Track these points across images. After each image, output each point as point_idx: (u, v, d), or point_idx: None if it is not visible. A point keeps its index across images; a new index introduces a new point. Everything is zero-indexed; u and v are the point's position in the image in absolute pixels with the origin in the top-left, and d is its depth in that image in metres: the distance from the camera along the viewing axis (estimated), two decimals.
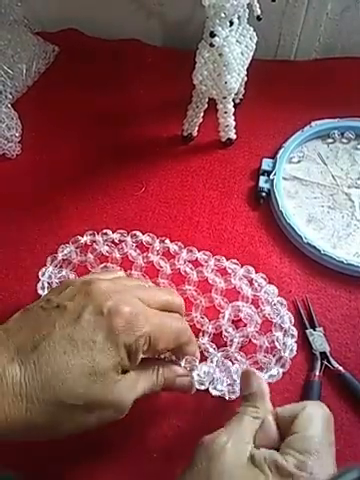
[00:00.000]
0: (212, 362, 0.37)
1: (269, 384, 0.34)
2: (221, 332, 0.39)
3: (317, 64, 0.64)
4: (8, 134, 0.54)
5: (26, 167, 0.55)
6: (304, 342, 0.41)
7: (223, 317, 0.39)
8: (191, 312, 0.40)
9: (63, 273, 0.42)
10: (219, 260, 0.43)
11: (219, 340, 0.39)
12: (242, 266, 0.42)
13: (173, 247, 0.44)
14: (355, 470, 0.25)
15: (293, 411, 0.28)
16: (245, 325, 0.40)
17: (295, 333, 0.38)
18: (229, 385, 0.36)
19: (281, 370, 0.36)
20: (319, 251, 0.45)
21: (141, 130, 0.57)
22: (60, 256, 0.43)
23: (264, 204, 0.50)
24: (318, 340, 0.41)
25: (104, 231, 0.44)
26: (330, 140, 0.55)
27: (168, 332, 0.32)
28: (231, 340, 0.39)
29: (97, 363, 0.29)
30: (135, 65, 0.64)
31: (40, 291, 0.41)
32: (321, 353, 0.40)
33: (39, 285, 0.41)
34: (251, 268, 0.42)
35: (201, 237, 0.48)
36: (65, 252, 0.43)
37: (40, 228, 0.49)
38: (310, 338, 0.41)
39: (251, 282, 0.42)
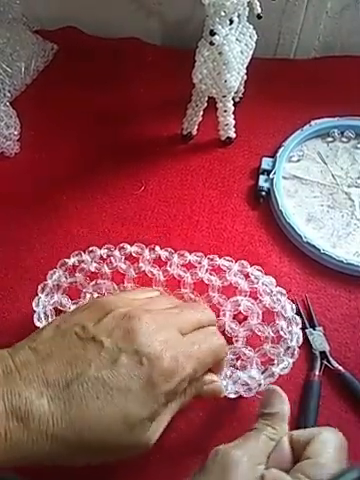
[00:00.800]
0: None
1: (279, 376, 0.34)
2: (224, 330, 0.38)
3: (317, 63, 0.64)
4: (7, 132, 0.53)
5: (25, 166, 0.54)
6: (304, 342, 0.41)
7: (224, 314, 0.39)
8: None
9: (55, 299, 0.40)
10: (212, 259, 0.42)
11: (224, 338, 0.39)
12: (236, 261, 0.41)
13: (164, 254, 0.42)
14: (355, 470, 0.25)
15: (308, 436, 0.28)
16: (246, 318, 0.39)
17: (299, 321, 0.38)
18: (244, 385, 0.35)
19: (291, 360, 0.36)
20: (319, 250, 0.45)
21: (141, 129, 0.57)
22: (50, 282, 0.40)
23: (264, 203, 0.50)
24: (318, 340, 0.41)
25: (90, 249, 0.42)
26: (330, 139, 0.55)
27: (209, 361, 0.32)
28: (236, 336, 0.38)
29: (131, 413, 0.28)
30: (135, 64, 0.64)
31: (37, 323, 0.39)
32: (321, 353, 0.40)
33: (35, 316, 0.39)
34: (246, 262, 0.41)
35: (200, 236, 0.48)
36: (54, 278, 0.40)
37: (39, 227, 0.49)
38: (310, 338, 0.41)
39: (247, 276, 0.41)
